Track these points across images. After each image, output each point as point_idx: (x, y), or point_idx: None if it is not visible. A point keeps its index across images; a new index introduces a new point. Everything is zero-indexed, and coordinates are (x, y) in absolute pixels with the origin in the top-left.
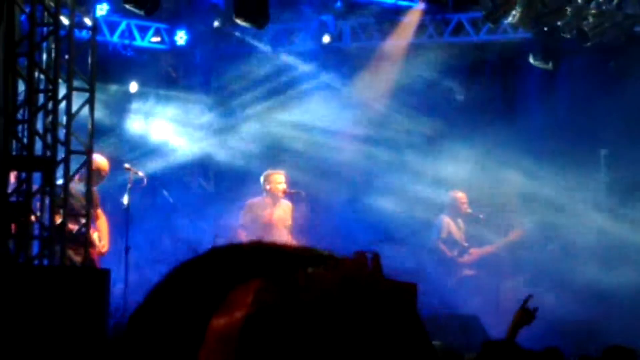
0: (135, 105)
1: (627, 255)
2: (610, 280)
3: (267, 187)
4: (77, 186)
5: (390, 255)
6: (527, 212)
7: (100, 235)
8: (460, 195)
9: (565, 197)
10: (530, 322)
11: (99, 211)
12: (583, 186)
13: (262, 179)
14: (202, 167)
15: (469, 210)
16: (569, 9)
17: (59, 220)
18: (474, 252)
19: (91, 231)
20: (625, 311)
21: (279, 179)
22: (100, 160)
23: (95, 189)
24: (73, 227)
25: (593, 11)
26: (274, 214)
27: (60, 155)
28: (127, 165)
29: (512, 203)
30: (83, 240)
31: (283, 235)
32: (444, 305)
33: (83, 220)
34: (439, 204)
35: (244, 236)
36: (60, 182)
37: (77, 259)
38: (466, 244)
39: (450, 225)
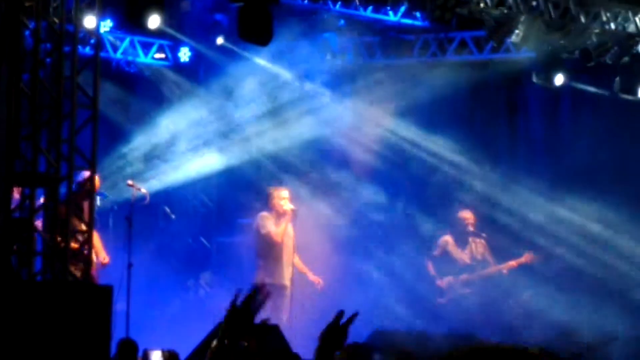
0: (138, 121)
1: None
2: (617, 295)
3: (271, 203)
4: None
5: (384, 266)
6: (531, 231)
7: (96, 250)
8: (467, 215)
9: (568, 215)
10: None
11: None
12: (586, 204)
13: (267, 195)
14: (205, 185)
15: (470, 229)
16: (572, 28)
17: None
18: (482, 272)
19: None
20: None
21: (282, 195)
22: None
23: (85, 204)
24: (72, 243)
25: (596, 30)
26: (279, 229)
27: (64, 171)
28: (129, 182)
29: (518, 224)
30: (82, 256)
31: (288, 250)
32: (432, 323)
33: (80, 236)
34: (442, 223)
35: (278, 236)
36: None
37: (77, 274)
38: (469, 262)
39: (448, 244)
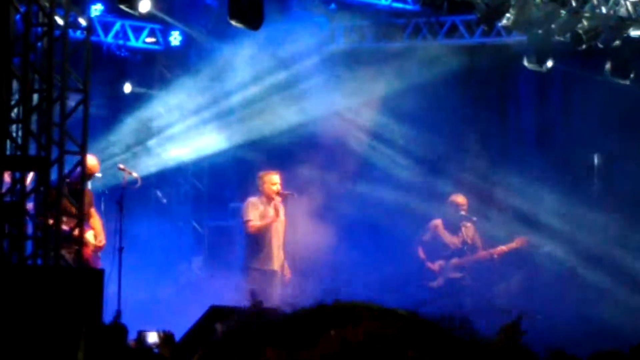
0: (129, 105)
1: (622, 257)
2: (604, 284)
3: (262, 187)
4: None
5: (375, 250)
6: (521, 216)
7: (96, 232)
8: (460, 200)
9: (558, 201)
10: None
11: (92, 210)
12: (576, 190)
13: (257, 179)
14: (196, 169)
15: (462, 213)
16: (563, 12)
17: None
18: (473, 256)
19: (85, 230)
20: (620, 313)
21: (273, 180)
22: (90, 160)
23: (88, 188)
24: (65, 226)
25: (587, 14)
26: (269, 214)
27: (54, 155)
28: (121, 166)
29: (508, 208)
30: (75, 239)
31: (278, 235)
32: (423, 306)
33: (75, 220)
34: (431, 206)
35: (254, 228)
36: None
37: (69, 257)
38: (460, 246)
39: (438, 228)
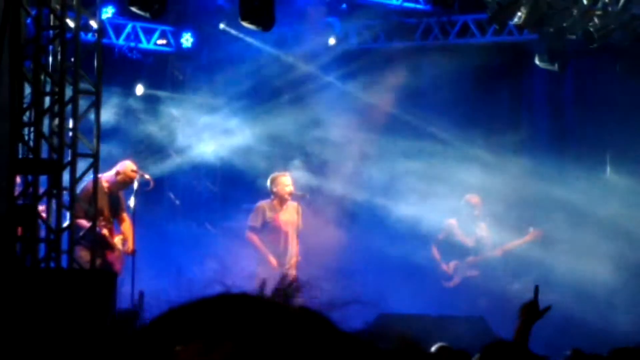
0: (141, 108)
1: (634, 257)
2: (620, 282)
3: (274, 189)
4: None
5: (390, 254)
6: (535, 214)
7: (126, 237)
8: (475, 200)
9: (571, 199)
10: (538, 318)
11: (124, 215)
12: (589, 188)
13: (268, 181)
14: (209, 170)
15: (476, 213)
16: (575, 10)
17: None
18: (488, 254)
19: (114, 235)
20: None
21: (285, 182)
22: (130, 166)
23: (121, 193)
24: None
25: (599, 12)
26: (281, 216)
27: (67, 158)
28: (133, 168)
29: (522, 205)
30: (104, 242)
31: (291, 237)
32: (440, 306)
33: (106, 222)
34: (447, 207)
35: (254, 238)
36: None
37: (98, 261)
38: (474, 245)
39: (452, 227)
